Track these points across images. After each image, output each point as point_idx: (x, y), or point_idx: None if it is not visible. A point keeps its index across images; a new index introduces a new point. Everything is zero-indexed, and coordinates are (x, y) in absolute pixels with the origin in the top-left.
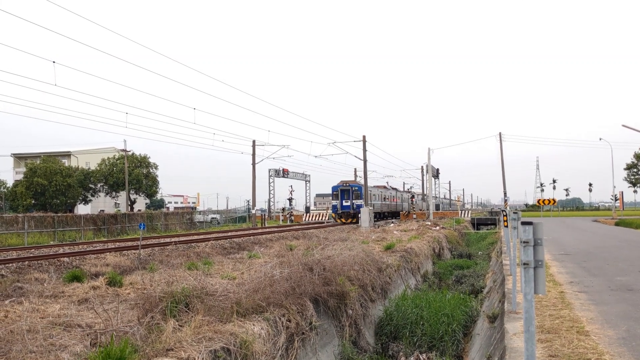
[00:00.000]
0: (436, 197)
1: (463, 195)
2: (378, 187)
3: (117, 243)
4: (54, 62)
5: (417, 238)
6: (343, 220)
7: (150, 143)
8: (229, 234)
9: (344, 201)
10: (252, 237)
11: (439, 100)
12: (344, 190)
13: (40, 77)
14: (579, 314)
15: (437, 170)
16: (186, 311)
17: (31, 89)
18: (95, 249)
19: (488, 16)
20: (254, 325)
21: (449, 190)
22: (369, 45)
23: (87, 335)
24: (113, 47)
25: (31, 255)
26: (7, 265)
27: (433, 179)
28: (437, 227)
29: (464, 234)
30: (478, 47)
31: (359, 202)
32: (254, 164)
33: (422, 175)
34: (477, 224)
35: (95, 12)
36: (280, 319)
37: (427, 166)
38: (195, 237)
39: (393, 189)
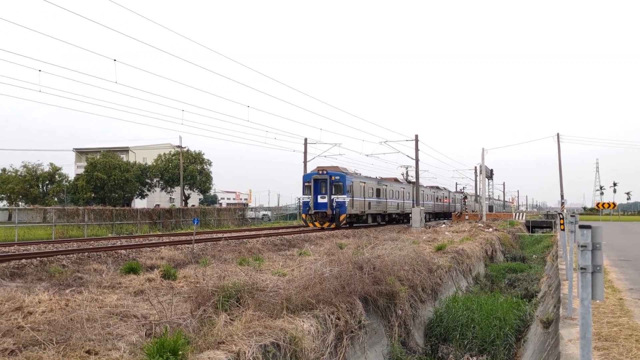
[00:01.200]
0: (489, 198)
1: (517, 197)
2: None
3: (172, 237)
4: (114, 60)
5: (469, 239)
6: (317, 224)
7: (205, 140)
8: (280, 230)
9: (319, 196)
10: (302, 235)
11: (494, 99)
12: (318, 181)
13: (101, 74)
14: (638, 322)
15: (491, 170)
16: (237, 306)
17: (93, 86)
18: (151, 242)
19: (546, 15)
20: (303, 321)
21: (503, 192)
22: (423, 44)
23: (143, 326)
24: (170, 45)
25: (90, 246)
26: (68, 256)
27: (486, 179)
28: (490, 229)
29: (518, 236)
30: (536, 46)
31: (340, 198)
32: (305, 161)
33: (475, 175)
34: (532, 226)
35: (154, 11)
36: (329, 316)
37: (480, 166)
38: (247, 233)
39: (408, 182)
